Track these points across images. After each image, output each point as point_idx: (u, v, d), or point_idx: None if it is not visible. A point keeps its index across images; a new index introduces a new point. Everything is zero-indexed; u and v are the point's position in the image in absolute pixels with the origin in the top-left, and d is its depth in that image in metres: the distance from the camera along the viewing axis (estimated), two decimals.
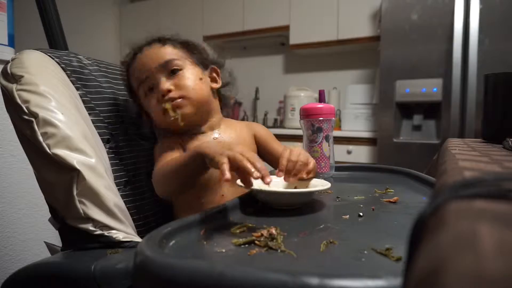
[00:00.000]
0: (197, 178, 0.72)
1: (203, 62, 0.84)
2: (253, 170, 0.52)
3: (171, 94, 0.76)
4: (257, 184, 0.67)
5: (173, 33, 0.83)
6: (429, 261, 0.15)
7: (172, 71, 0.78)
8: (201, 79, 0.81)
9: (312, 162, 0.69)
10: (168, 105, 0.76)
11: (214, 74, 0.87)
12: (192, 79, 0.79)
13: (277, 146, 0.87)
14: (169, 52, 0.79)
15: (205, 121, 0.83)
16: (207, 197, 0.78)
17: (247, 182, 0.55)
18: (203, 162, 0.60)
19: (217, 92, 0.87)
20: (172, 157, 0.75)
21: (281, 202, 0.62)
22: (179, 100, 0.76)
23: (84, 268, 0.54)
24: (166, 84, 0.76)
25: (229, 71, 0.91)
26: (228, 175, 0.50)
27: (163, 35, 0.82)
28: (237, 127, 0.87)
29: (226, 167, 0.51)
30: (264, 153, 0.88)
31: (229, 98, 0.92)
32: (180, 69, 0.78)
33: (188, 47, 0.83)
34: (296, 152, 0.67)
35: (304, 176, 0.66)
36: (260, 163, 0.53)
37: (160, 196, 0.76)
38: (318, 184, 0.67)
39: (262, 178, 0.52)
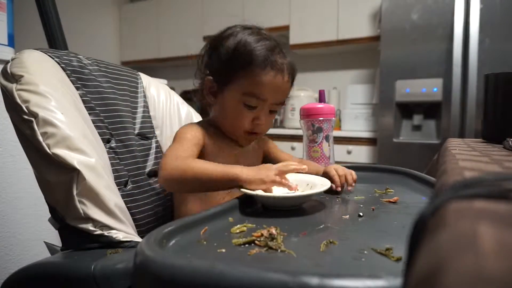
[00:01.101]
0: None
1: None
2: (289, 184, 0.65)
3: (260, 127, 0.79)
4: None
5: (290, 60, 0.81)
6: (429, 261, 0.15)
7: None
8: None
9: (353, 173, 0.76)
10: (248, 137, 0.81)
11: None
12: (274, 119, 0.85)
13: (284, 156, 0.93)
14: (287, 94, 0.82)
15: None
16: (209, 198, 0.78)
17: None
18: (234, 183, 0.65)
19: None
20: (191, 150, 0.74)
21: (282, 205, 0.62)
22: (256, 135, 0.82)
23: (84, 268, 0.54)
24: (265, 118, 0.79)
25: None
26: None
27: (294, 67, 0.81)
28: (252, 144, 0.90)
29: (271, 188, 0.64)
30: (272, 162, 0.91)
31: None
32: (276, 111, 0.82)
33: (293, 84, 0.84)
34: (338, 168, 0.77)
35: (353, 184, 0.75)
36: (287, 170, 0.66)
37: (166, 189, 0.78)
38: (318, 183, 0.67)
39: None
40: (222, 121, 0.83)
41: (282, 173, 0.64)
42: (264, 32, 0.80)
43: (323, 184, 0.65)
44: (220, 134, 0.83)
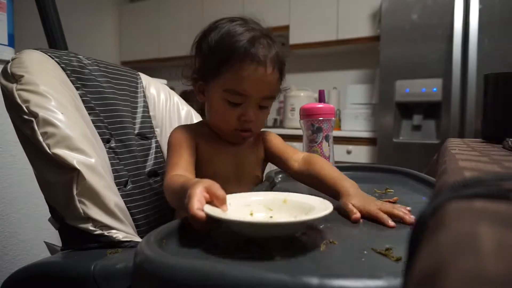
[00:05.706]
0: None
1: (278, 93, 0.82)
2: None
3: (249, 125, 0.75)
4: (237, 216, 0.49)
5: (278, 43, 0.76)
6: (429, 261, 0.15)
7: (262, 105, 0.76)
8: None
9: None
10: (240, 134, 0.76)
11: None
12: (267, 115, 0.79)
13: (284, 149, 0.84)
14: (274, 88, 0.76)
15: None
16: None
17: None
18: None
19: None
20: (186, 157, 0.71)
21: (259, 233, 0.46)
22: (249, 133, 0.77)
23: (84, 268, 0.54)
24: (254, 114, 0.74)
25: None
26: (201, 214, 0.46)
27: (280, 58, 0.75)
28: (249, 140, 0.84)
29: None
30: (276, 159, 0.84)
31: None
32: (268, 106, 0.77)
33: (283, 76, 0.79)
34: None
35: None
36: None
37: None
38: (317, 207, 0.49)
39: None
40: (210, 119, 0.80)
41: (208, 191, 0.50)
42: (252, 23, 0.77)
43: (324, 208, 0.47)
44: (214, 134, 0.80)
